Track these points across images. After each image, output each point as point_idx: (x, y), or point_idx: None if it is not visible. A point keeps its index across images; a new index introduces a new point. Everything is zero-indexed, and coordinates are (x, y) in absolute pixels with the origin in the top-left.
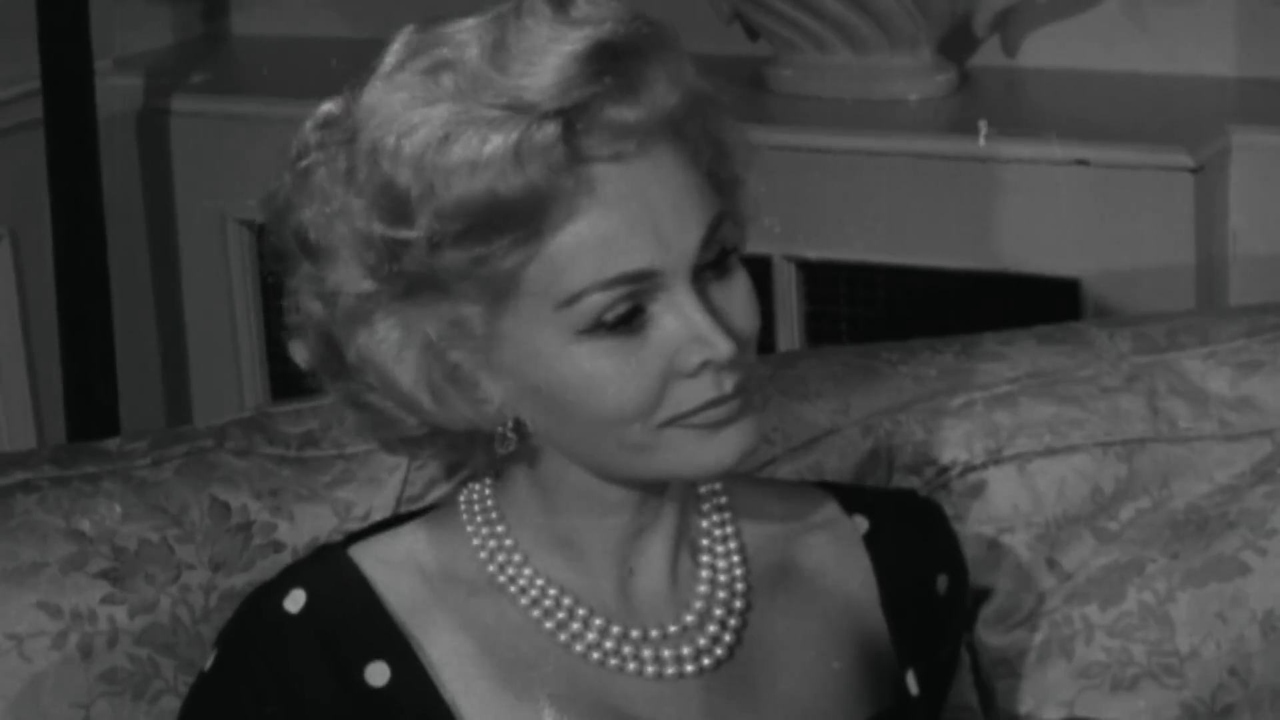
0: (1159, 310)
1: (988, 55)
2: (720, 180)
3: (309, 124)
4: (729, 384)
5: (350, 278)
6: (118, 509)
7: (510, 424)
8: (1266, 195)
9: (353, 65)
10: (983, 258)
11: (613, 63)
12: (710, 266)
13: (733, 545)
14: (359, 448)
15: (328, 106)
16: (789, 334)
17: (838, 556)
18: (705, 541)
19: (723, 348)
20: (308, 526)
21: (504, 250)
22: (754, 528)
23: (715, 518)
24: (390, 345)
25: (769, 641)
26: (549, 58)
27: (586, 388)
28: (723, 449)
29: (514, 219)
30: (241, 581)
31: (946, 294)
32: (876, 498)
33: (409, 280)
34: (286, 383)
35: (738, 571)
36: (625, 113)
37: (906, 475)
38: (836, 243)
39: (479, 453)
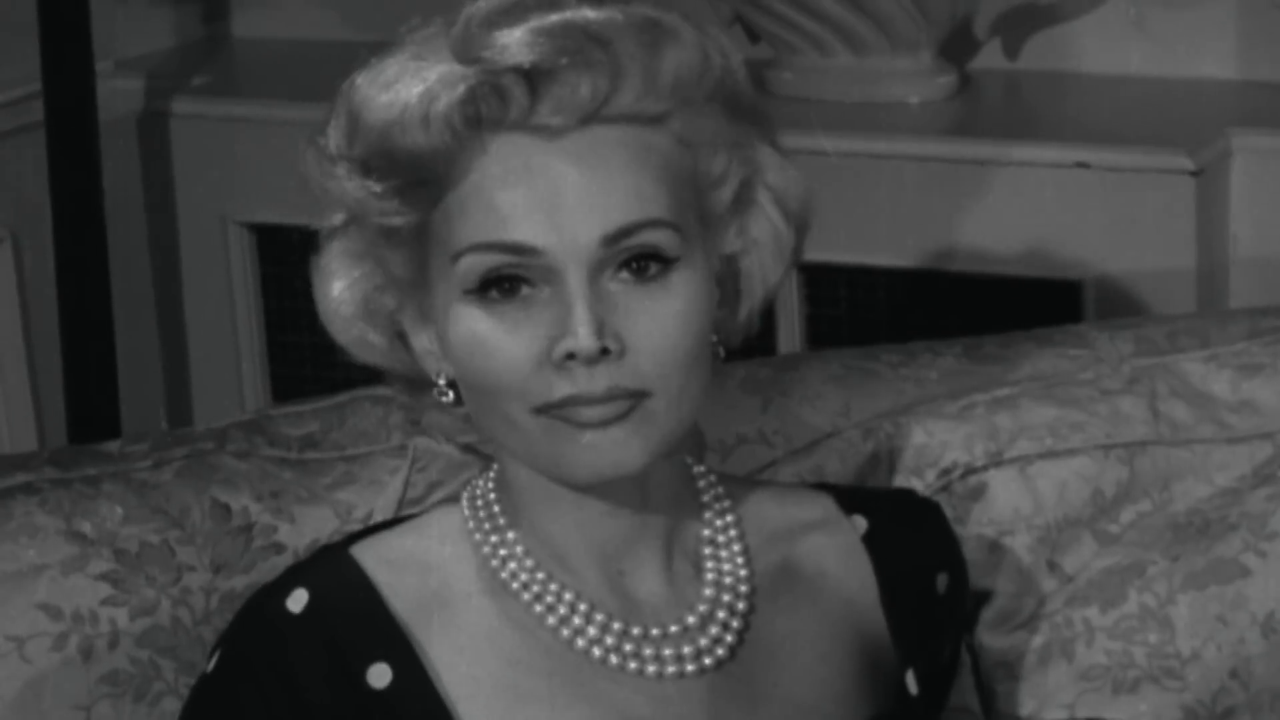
0: (1160, 313)
1: (989, 58)
2: (679, 200)
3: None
4: (599, 384)
5: (330, 212)
6: (119, 511)
7: (441, 377)
8: (1267, 198)
9: (353, 68)
10: (984, 260)
11: (577, 41)
12: (630, 269)
13: (737, 548)
14: (360, 450)
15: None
16: (789, 336)
17: (837, 557)
18: (710, 544)
19: (584, 341)
20: (309, 528)
21: (411, 191)
22: (755, 529)
23: (719, 522)
24: (334, 271)
25: (770, 642)
26: (518, 25)
27: (467, 349)
28: (585, 455)
29: (419, 164)
30: (242, 583)
31: (947, 297)
32: (875, 498)
33: (350, 212)
34: (287, 385)
35: (742, 573)
36: (571, 92)
37: (907, 478)
38: (837, 245)
39: (478, 457)
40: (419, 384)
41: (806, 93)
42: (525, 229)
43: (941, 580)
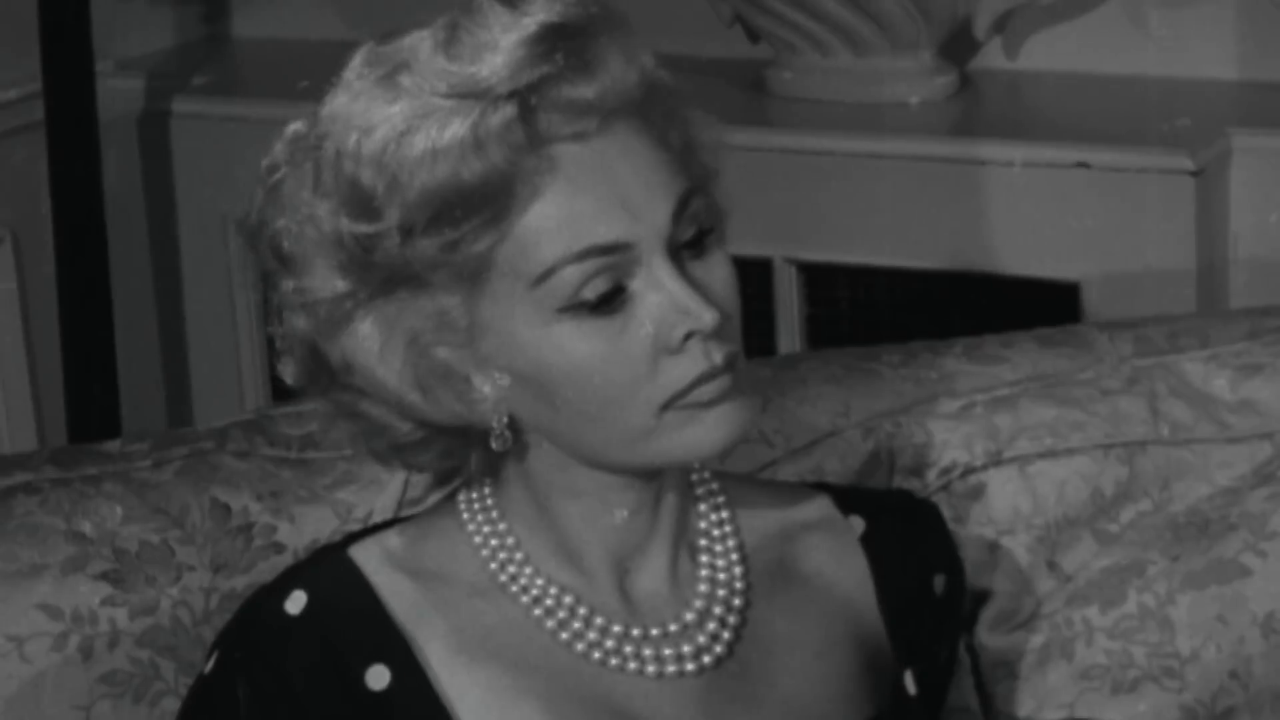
0: (1160, 313)
1: (989, 58)
2: (692, 171)
3: (279, 143)
4: (718, 355)
5: (325, 281)
6: (118, 510)
7: (504, 419)
8: (1267, 198)
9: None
10: (984, 260)
11: (563, 42)
12: (688, 246)
13: (731, 544)
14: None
15: (296, 125)
16: (789, 336)
17: (835, 557)
18: (704, 541)
19: (706, 316)
20: (309, 528)
21: (473, 234)
22: (752, 527)
23: (714, 517)
24: (372, 344)
25: (768, 641)
26: (500, 43)
27: (572, 370)
28: (719, 428)
29: (479, 202)
30: (242, 583)
31: (947, 296)
32: (873, 498)
33: (384, 275)
34: (287, 385)
35: (737, 570)
36: (581, 90)
37: (907, 477)
38: (837, 245)
39: (474, 455)
40: (454, 447)
41: (806, 93)
42: (606, 227)
43: (939, 581)
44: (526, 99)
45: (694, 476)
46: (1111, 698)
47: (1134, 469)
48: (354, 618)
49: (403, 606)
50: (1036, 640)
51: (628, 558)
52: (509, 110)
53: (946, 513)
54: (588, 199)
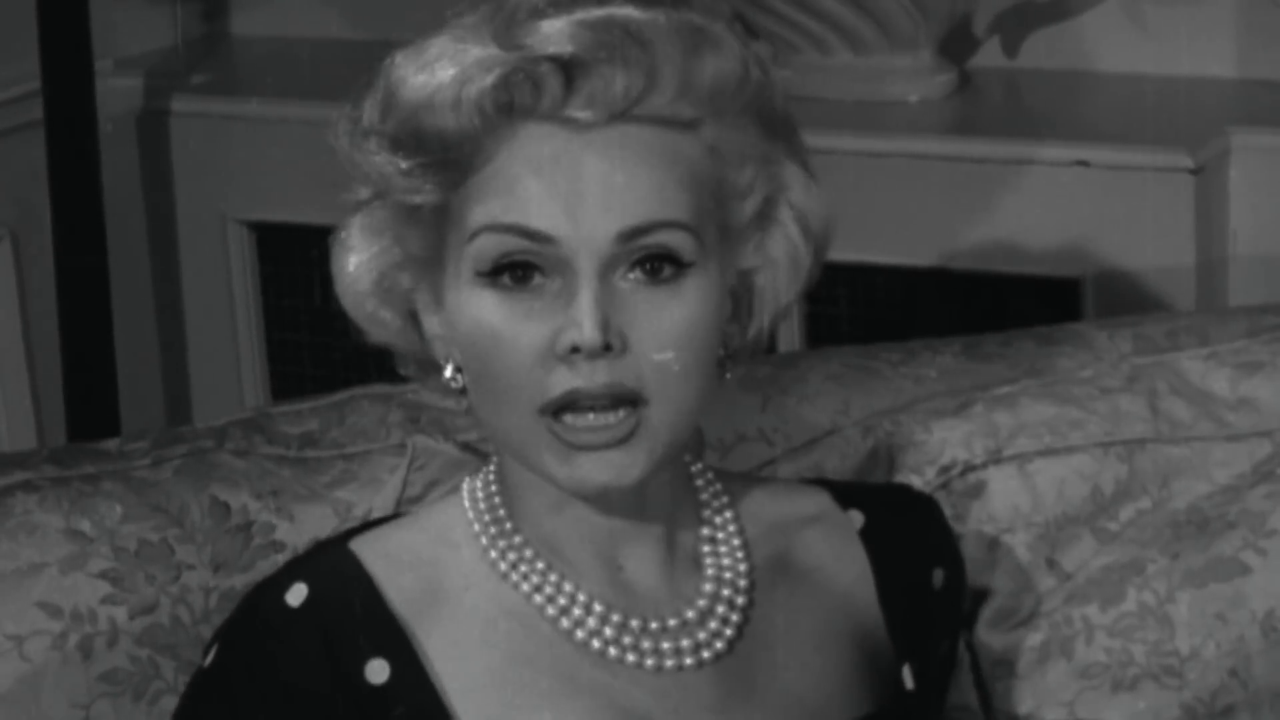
0: (1159, 311)
1: (988, 56)
2: (694, 205)
3: None
4: (598, 379)
5: (355, 185)
6: (118, 509)
7: (449, 363)
8: (1266, 196)
9: (352, 66)
10: (983, 258)
11: (617, 37)
12: (643, 270)
13: (736, 543)
14: (359, 448)
15: None
16: (789, 334)
17: (834, 552)
18: (708, 540)
19: (590, 335)
20: (308, 527)
21: (436, 168)
22: (753, 523)
23: (718, 519)
24: (355, 245)
25: (768, 636)
26: (562, 15)
27: (475, 333)
28: (577, 472)
29: (447, 142)
30: (242, 582)
31: (947, 295)
32: (871, 493)
33: (376, 186)
34: (286, 383)
35: (741, 568)
36: (605, 87)
37: (907, 476)
38: (837, 243)
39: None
40: (426, 367)
41: (806, 91)
42: (542, 216)
43: (938, 576)
44: (546, 69)
45: (698, 480)
46: (1111, 696)
47: (1133, 467)
48: (354, 610)
49: (402, 600)
50: (1036, 638)
51: (615, 554)
52: (520, 76)
53: (946, 511)
54: (540, 184)
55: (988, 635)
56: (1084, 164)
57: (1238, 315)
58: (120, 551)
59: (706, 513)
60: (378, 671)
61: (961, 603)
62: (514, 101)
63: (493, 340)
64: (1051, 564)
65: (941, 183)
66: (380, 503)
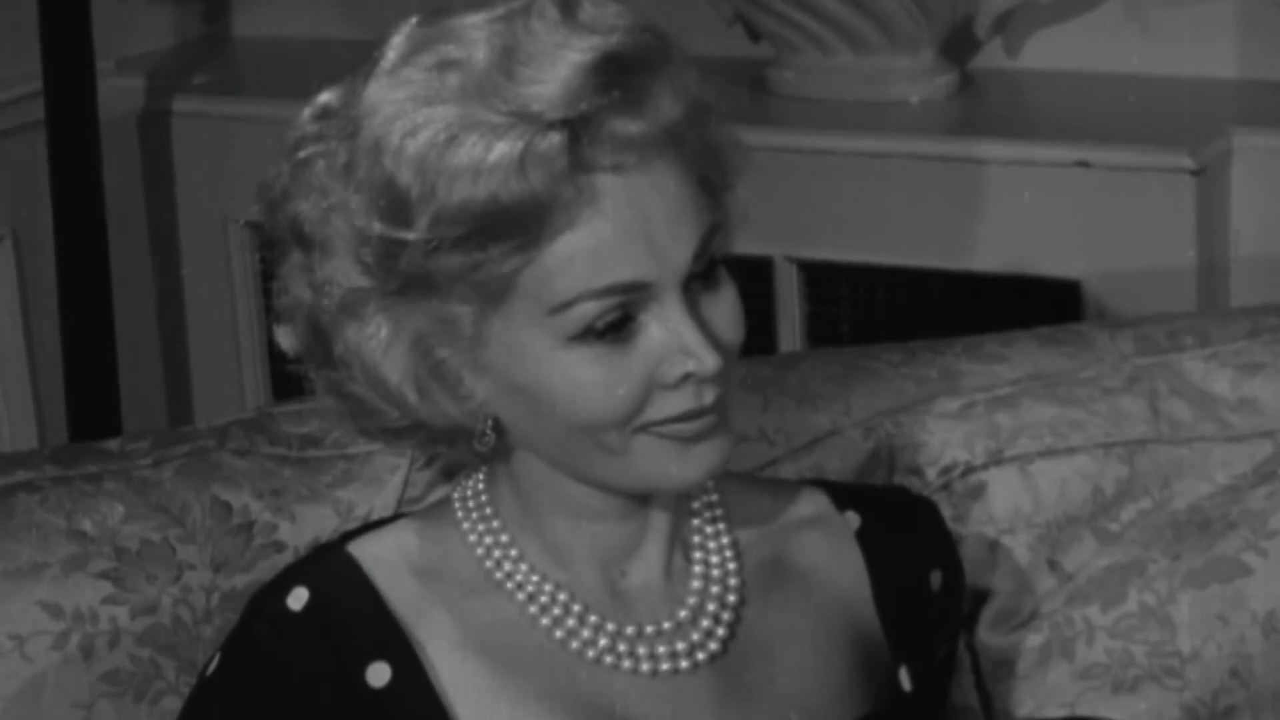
0: (1160, 312)
1: (989, 57)
2: (712, 186)
3: (307, 113)
4: (709, 397)
5: (344, 272)
6: (119, 509)
7: (489, 422)
8: (1267, 197)
9: (354, 66)
10: (984, 259)
11: (620, 76)
12: (699, 277)
13: (725, 541)
14: (360, 448)
15: (326, 97)
16: (790, 335)
17: (830, 553)
18: (697, 539)
19: (708, 361)
20: (309, 527)
21: (501, 256)
22: (746, 524)
23: (707, 515)
24: (379, 341)
25: (763, 638)
26: (557, 67)
27: (571, 392)
28: (691, 465)
29: (514, 225)
30: (243, 582)
31: (948, 295)
32: (869, 494)
33: (403, 279)
34: (288, 383)
35: (730, 567)
36: (629, 125)
37: (907, 476)
38: (838, 244)
39: (460, 447)
40: (439, 435)
41: (807, 92)
42: (630, 267)
43: (935, 578)
44: (576, 129)
45: None
46: (1112, 697)
47: (1135, 468)
48: (356, 614)
49: (403, 603)
50: (1037, 639)
51: (619, 560)
52: (557, 138)
53: (947, 512)
54: (617, 235)
55: (989, 636)
56: (1085, 165)
57: (1239, 316)
58: (122, 551)
59: (696, 507)
60: (379, 675)
61: (960, 605)
62: (581, 158)
63: (597, 394)
64: (1052, 565)
65: (943, 183)
66: (382, 503)
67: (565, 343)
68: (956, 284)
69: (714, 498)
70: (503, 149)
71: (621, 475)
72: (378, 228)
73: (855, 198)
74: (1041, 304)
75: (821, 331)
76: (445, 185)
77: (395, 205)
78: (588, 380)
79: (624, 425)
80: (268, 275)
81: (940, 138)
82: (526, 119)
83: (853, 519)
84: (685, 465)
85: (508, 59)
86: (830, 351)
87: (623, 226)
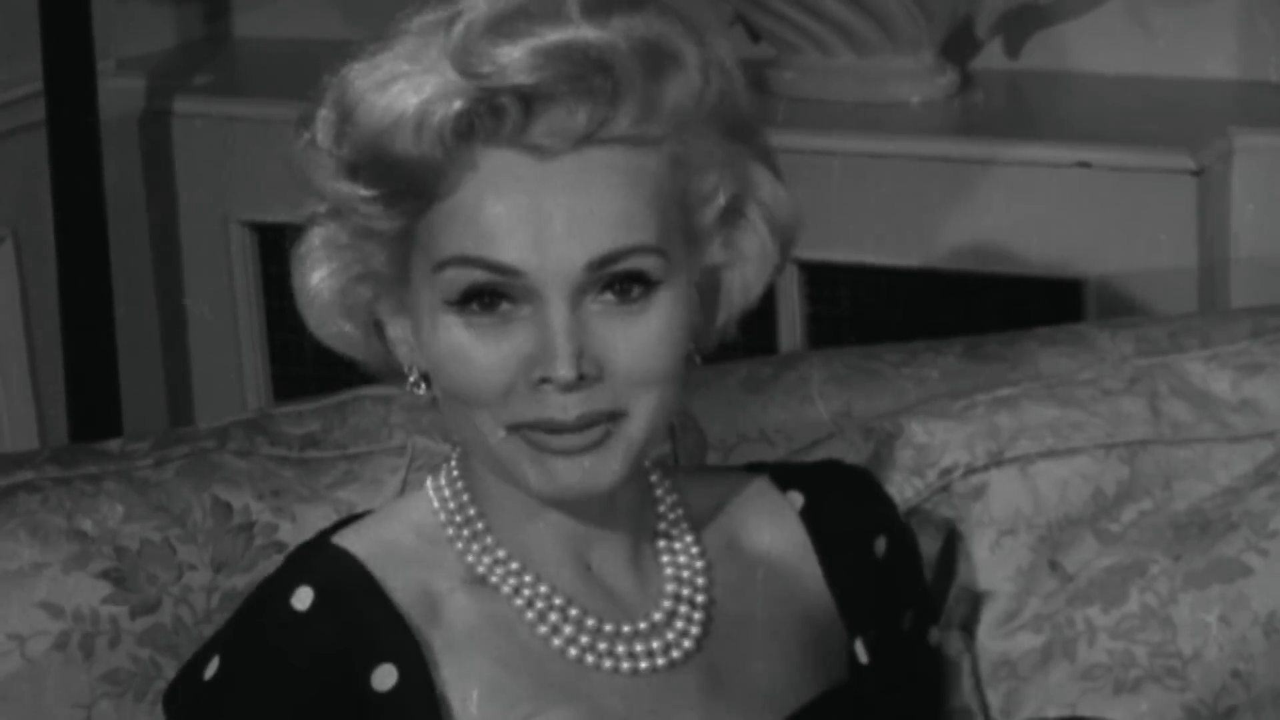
0: (1161, 312)
1: (990, 57)
2: (661, 225)
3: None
4: (571, 411)
5: (315, 200)
6: (120, 509)
7: (416, 372)
8: (1269, 197)
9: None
10: (984, 260)
11: (577, 66)
12: (614, 292)
13: (690, 539)
14: (361, 449)
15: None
16: (791, 335)
17: (778, 535)
18: (663, 536)
19: (562, 371)
20: (310, 527)
21: (397, 197)
22: (701, 516)
23: (671, 515)
24: (317, 255)
25: (728, 627)
26: (525, 40)
27: (446, 358)
28: (545, 479)
29: (408, 172)
30: (243, 582)
31: (948, 296)
32: (808, 472)
33: (334, 204)
34: (288, 384)
35: (698, 564)
36: (567, 119)
37: (908, 477)
38: (839, 244)
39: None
40: (391, 374)
41: (808, 92)
42: (509, 249)
43: (880, 544)
44: (508, 99)
45: (652, 476)
46: (1114, 698)
47: (1135, 468)
48: (364, 613)
49: (406, 601)
50: (1038, 640)
51: (585, 552)
52: (479, 102)
53: (948, 512)
54: (504, 215)
55: (989, 637)
56: (1086, 165)
57: (1240, 317)
58: (122, 552)
59: (661, 508)
60: (385, 677)
61: (914, 569)
62: (475, 129)
63: (463, 365)
64: (1053, 565)
65: (943, 184)
66: (382, 503)
67: (444, 305)
68: (957, 284)
69: (674, 497)
70: (415, 97)
71: (497, 469)
72: (320, 137)
73: (855, 198)
74: (1042, 304)
75: (822, 331)
76: (361, 114)
77: (335, 124)
78: (456, 347)
79: (492, 409)
80: (268, 275)
81: (940, 138)
82: (465, 76)
83: (796, 499)
84: (541, 476)
85: (472, 31)
86: (831, 352)
87: (514, 209)
